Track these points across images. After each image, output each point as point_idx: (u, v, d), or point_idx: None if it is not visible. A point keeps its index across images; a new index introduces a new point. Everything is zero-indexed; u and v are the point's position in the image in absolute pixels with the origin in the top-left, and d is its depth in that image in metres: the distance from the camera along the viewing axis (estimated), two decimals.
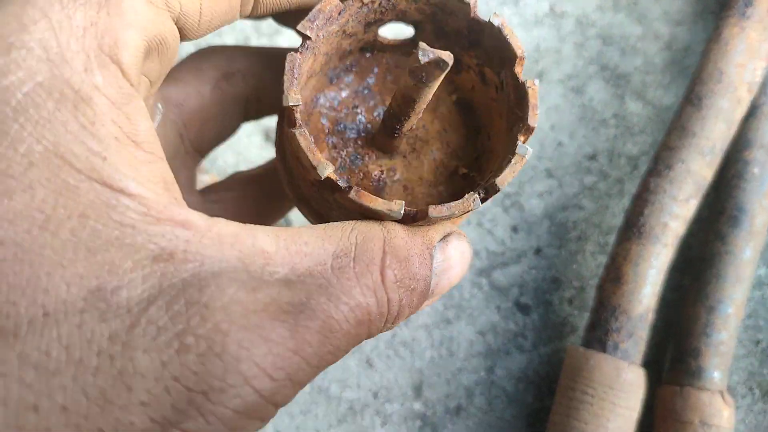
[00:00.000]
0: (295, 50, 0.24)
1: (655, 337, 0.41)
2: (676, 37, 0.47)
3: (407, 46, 0.29)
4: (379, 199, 0.22)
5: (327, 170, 0.22)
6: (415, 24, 0.28)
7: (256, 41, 0.46)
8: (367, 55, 0.29)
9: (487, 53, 0.27)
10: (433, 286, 0.24)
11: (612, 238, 0.44)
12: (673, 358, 0.39)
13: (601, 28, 0.47)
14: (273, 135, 0.45)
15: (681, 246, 0.42)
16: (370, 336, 0.22)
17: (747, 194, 0.40)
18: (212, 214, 0.21)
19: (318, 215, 0.26)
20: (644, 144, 0.45)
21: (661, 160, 0.39)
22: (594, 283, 0.43)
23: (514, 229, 0.44)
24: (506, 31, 0.25)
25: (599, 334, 0.37)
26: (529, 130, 0.25)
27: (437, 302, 0.43)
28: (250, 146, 0.44)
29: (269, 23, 0.46)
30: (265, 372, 0.19)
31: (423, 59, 0.21)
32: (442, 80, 0.23)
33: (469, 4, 0.25)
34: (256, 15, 0.25)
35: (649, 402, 0.38)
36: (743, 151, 0.41)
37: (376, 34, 0.28)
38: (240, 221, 0.21)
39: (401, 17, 0.27)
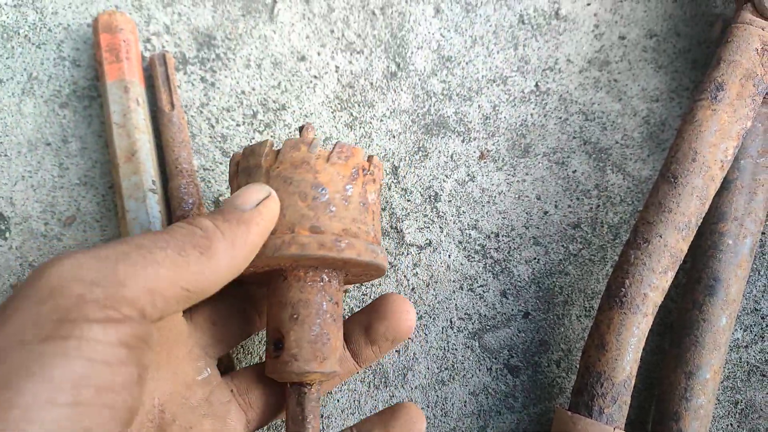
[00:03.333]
0: None
1: (637, 398, 0.41)
2: (653, 112, 0.48)
3: None
4: None
5: None
6: None
7: (262, 116, 0.47)
8: None
9: None
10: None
11: (596, 303, 0.44)
12: (654, 420, 0.39)
13: (583, 104, 0.48)
14: None
15: (661, 311, 0.42)
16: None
17: (722, 264, 0.40)
18: None
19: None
20: (625, 213, 0.46)
21: (639, 233, 0.39)
22: (580, 345, 0.43)
23: (504, 294, 0.44)
24: None
25: (585, 399, 0.37)
26: None
27: (433, 364, 0.43)
28: None
29: (274, 98, 0.47)
30: None
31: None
32: None
33: None
34: None
35: None
36: (718, 224, 0.41)
37: None
38: None
39: None
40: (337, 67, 0.48)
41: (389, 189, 0.46)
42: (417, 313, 0.44)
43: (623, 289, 0.38)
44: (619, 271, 0.39)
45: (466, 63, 0.48)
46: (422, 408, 0.42)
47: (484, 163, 0.47)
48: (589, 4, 0.48)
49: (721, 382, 0.42)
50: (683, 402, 0.37)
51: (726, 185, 0.42)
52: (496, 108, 0.48)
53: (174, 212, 0.42)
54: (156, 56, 0.45)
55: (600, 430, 0.35)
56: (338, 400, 0.42)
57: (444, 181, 0.46)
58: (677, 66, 0.49)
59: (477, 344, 0.43)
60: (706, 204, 0.40)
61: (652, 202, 0.40)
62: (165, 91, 0.45)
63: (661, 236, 0.38)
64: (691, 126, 0.41)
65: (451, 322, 0.44)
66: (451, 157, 0.47)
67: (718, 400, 0.42)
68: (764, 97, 0.44)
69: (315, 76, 0.48)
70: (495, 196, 0.46)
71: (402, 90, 0.48)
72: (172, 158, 0.43)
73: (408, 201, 0.46)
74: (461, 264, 0.45)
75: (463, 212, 0.46)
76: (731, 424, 0.41)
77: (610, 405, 0.36)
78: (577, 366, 0.40)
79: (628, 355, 0.37)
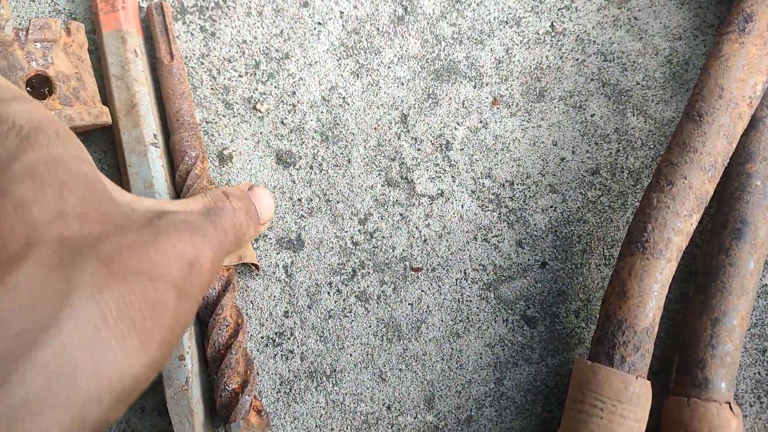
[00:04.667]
0: None
1: (660, 347, 0.39)
2: (676, 51, 0.45)
3: None
4: None
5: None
6: None
7: (265, 66, 0.45)
8: None
9: None
10: (259, 212, 0.36)
11: (616, 251, 0.42)
12: (679, 369, 0.37)
13: (602, 44, 0.45)
14: (285, 158, 0.44)
15: (685, 257, 0.40)
16: (242, 237, 0.33)
17: (750, 207, 0.38)
18: None
19: None
20: (646, 158, 0.43)
21: (663, 175, 0.37)
22: (599, 295, 0.41)
23: (519, 244, 0.42)
24: None
25: (606, 347, 0.35)
26: None
27: (447, 316, 0.41)
28: (262, 168, 0.43)
29: (277, 47, 0.45)
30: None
31: None
32: None
33: None
34: None
35: (655, 412, 0.37)
36: (745, 164, 0.39)
37: None
38: None
39: None
40: (341, 12, 0.46)
41: (398, 138, 0.44)
42: (430, 266, 0.42)
43: (645, 234, 0.36)
44: (641, 215, 0.37)
45: (477, 4, 0.46)
46: (437, 361, 0.41)
47: (497, 109, 0.44)
48: None
49: (749, 330, 0.40)
50: (709, 349, 0.36)
51: (754, 123, 0.39)
52: (509, 51, 0.45)
53: (176, 166, 0.41)
54: (153, 5, 0.43)
55: (622, 379, 0.34)
56: (351, 354, 0.41)
57: (455, 128, 0.44)
58: (701, 1, 0.46)
59: (492, 295, 0.42)
60: (734, 143, 0.37)
61: (676, 143, 0.38)
62: (164, 41, 0.43)
63: (685, 178, 0.36)
64: (717, 61, 0.38)
65: (465, 273, 0.42)
66: (463, 103, 0.45)
67: (746, 348, 0.40)
68: None
69: (319, 23, 0.46)
70: (509, 143, 0.44)
71: (410, 35, 0.45)
72: (174, 111, 0.42)
73: (418, 150, 0.44)
74: (475, 214, 0.43)
75: (476, 161, 0.44)
76: (759, 372, 0.40)
77: (632, 353, 0.35)
78: (597, 315, 0.39)
79: (651, 302, 0.35)
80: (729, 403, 0.35)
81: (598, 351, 0.36)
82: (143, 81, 0.41)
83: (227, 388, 0.36)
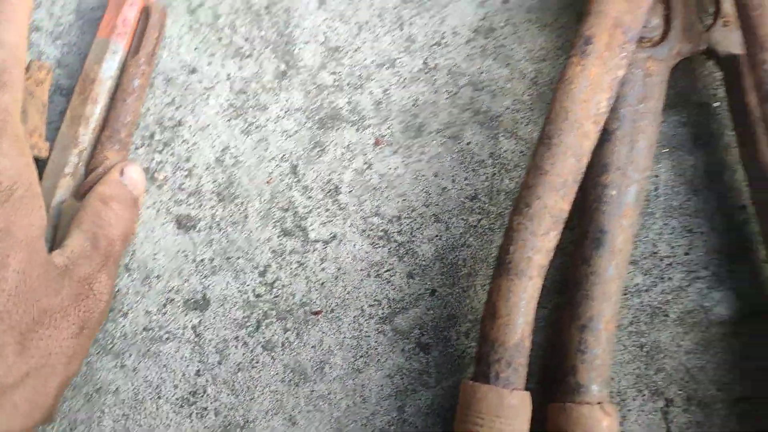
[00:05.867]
0: None
1: (543, 357, 0.43)
2: (541, 72, 0.49)
3: None
4: None
5: None
6: None
7: (159, 135, 0.48)
8: None
9: None
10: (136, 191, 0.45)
11: None
12: (555, 377, 0.40)
13: (472, 75, 0.49)
14: (185, 222, 0.47)
15: (561, 269, 0.43)
16: (131, 232, 0.44)
17: (607, 216, 0.41)
18: None
19: None
20: (520, 178, 0.47)
21: (522, 198, 0.40)
22: None
23: (410, 275, 0.46)
24: None
25: (483, 367, 0.38)
26: None
27: (348, 354, 0.45)
28: (164, 235, 0.46)
29: (170, 115, 0.48)
30: None
31: None
32: None
33: None
34: None
35: (543, 419, 0.40)
36: (601, 176, 0.42)
37: None
38: None
39: None
40: (228, 74, 0.49)
41: (290, 189, 0.47)
42: (329, 307, 0.46)
43: (508, 256, 0.39)
44: (506, 239, 0.40)
45: (354, 51, 0.49)
46: (342, 398, 0.44)
47: (380, 148, 0.48)
48: None
49: (626, 328, 0.44)
50: (578, 355, 0.39)
51: (607, 137, 0.43)
52: (387, 92, 0.49)
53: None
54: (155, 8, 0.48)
55: (497, 394, 0.37)
56: (261, 403, 0.44)
57: (342, 173, 0.47)
58: (562, 22, 0.49)
59: (389, 328, 0.45)
60: (583, 160, 0.41)
61: (531, 166, 0.41)
62: (145, 40, 0.47)
63: (540, 198, 0.40)
64: (562, 84, 0.42)
65: (362, 310, 0.45)
66: (348, 147, 0.48)
67: (624, 345, 0.43)
68: (640, 41, 0.45)
69: (207, 87, 0.49)
70: (393, 180, 0.47)
71: (293, 88, 0.49)
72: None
73: (309, 198, 0.47)
74: (367, 252, 0.46)
75: (364, 201, 0.47)
76: (639, 367, 0.43)
77: (505, 369, 0.38)
78: None
79: (519, 318, 0.38)
80: (600, 404, 0.38)
81: (477, 371, 0.39)
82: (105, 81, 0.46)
83: None
